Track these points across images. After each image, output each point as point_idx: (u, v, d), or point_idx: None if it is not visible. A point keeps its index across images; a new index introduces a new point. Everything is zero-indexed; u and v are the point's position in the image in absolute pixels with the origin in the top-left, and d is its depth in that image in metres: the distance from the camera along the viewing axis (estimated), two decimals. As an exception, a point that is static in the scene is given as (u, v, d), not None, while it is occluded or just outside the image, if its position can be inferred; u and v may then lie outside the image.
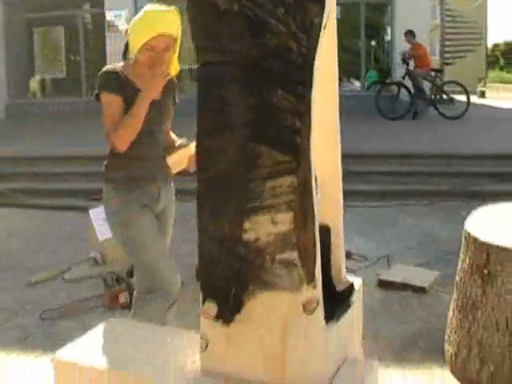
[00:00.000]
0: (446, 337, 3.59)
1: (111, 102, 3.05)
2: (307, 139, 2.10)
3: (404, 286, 4.69)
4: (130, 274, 4.94)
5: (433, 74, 13.99)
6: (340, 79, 2.56)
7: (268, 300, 2.21)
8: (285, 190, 2.12)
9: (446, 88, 14.08)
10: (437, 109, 13.35)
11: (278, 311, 2.21)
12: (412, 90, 13.50)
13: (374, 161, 8.85)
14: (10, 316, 4.53)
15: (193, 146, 2.78)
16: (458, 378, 3.41)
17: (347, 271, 2.69)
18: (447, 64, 16.52)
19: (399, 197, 7.92)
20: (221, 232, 2.22)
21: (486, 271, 3.24)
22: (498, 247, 3.19)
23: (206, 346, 2.36)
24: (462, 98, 13.59)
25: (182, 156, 3.34)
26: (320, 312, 2.22)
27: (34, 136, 11.82)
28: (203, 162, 2.22)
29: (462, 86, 13.73)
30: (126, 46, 3.18)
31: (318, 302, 2.21)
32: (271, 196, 2.13)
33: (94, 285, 5.01)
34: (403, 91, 13.57)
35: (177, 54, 3.20)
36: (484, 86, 25.17)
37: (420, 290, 4.66)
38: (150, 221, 3.24)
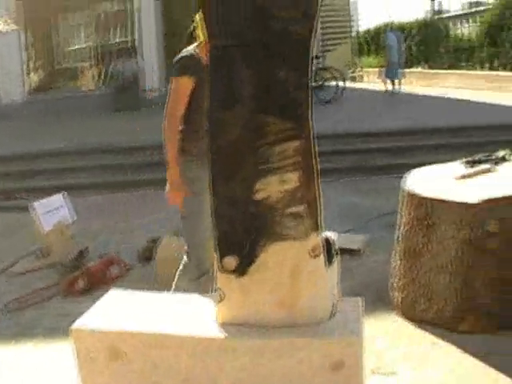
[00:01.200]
0: (393, 285, 4.06)
1: (186, 86, 3.38)
2: (308, 108, 2.47)
3: (340, 251, 5.12)
4: (78, 259, 5.15)
5: (314, 61, 14.69)
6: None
7: (279, 250, 2.56)
8: (291, 153, 2.47)
9: (323, 74, 14.76)
10: (314, 93, 14.04)
11: (289, 258, 2.56)
12: None
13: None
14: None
15: None
16: (408, 319, 3.88)
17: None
18: (325, 52, 17.29)
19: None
20: (234, 194, 2.54)
21: (429, 222, 3.72)
22: (438, 200, 3.68)
23: (223, 298, 2.67)
24: (340, 83, 14.37)
25: None
26: (322, 256, 2.60)
27: None
28: (215, 132, 2.52)
29: (336, 71, 14.36)
30: (194, 29, 3.51)
31: (321, 247, 2.59)
32: (279, 159, 2.48)
33: (43, 276, 5.15)
34: None
35: None
36: (357, 71, 26.38)
37: (355, 252, 5.14)
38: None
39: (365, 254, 5.20)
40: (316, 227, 2.54)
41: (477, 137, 9.65)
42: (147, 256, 5.26)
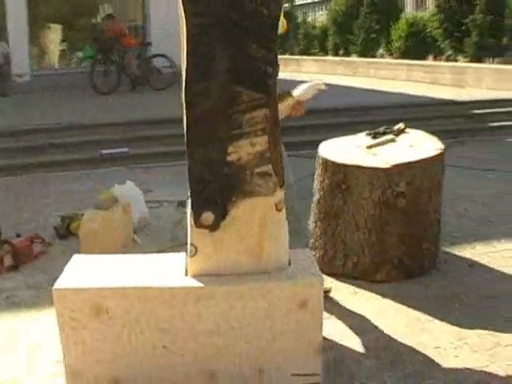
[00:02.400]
0: (311, 244, 4.50)
1: None
2: (274, 81, 2.83)
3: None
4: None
5: (140, 49, 14.84)
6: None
7: (249, 205, 2.90)
8: (260, 120, 2.83)
9: (155, 62, 14.50)
10: (147, 80, 14.27)
11: (257, 212, 2.92)
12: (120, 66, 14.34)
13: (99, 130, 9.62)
14: None
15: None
16: (328, 274, 4.33)
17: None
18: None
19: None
20: (209, 157, 2.86)
21: (344, 186, 4.19)
22: (353, 166, 4.16)
23: (195, 252, 2.97)
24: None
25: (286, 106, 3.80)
26: (284, 209, 2.98)
27: None
28: (192, 101, 2.82)
29: (167, 58, 13.93)
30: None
31: (283, 202, 2.96)
32: (249, 125, 2.83)
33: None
34: (113, 67, 14.26)
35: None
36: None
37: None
38: None
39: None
40: (281, 184, 2.91)
41: (344, 117, 10.47)
42: (63, 233, 5.40)
